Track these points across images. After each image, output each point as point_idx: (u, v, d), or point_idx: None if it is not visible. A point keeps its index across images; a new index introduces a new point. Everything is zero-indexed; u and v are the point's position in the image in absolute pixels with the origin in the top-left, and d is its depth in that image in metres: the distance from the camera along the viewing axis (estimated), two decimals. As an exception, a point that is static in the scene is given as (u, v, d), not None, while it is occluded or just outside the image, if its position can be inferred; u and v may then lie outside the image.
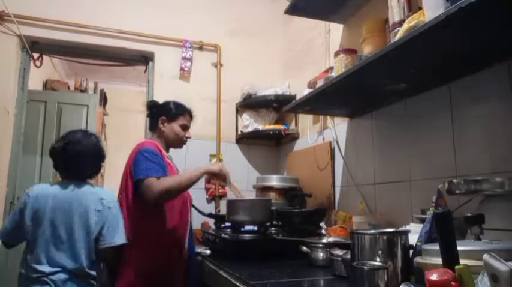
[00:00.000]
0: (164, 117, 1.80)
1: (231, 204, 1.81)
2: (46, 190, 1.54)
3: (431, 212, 0.97)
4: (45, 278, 1.44)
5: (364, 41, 1.67)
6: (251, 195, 2.38)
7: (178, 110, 1.83)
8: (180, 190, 1.60)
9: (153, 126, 1.83)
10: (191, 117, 1.88)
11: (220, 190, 2.76)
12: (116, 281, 1.57)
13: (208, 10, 2.99)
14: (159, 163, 1.60)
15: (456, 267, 0.64)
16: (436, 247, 0.78)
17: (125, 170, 1.69)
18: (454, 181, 1.14)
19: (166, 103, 1.85)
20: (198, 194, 2.64)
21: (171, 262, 1.65)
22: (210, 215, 2.16)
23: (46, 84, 4.11)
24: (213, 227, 2.18)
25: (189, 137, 1.87)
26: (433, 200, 1.01)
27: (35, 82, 3.64)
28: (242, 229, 1.76)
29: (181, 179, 1.58)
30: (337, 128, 2.17)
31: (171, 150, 1.88)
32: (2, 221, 2.44)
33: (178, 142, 1.84)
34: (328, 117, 2.25)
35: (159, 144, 1.76)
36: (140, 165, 1.57)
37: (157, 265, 1.59)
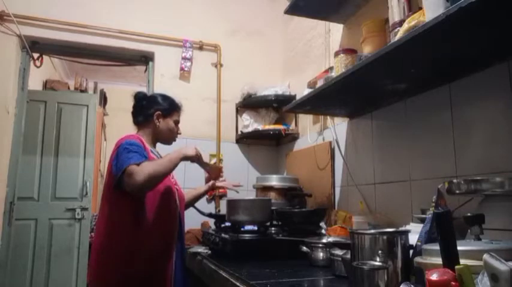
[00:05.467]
0: (160, 112, 1.74)
1: (231, 204, 1.81)
2: None
3: (431, 212, 0.97)
4: None
5: (364, 41, 1.67)
6: (251, 195, 2.39)
7: (173, 106, 1.79)
8: (164, 173, 1.52)
9: (143, 120, 1.75)
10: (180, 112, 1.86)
11: (220, 190, 2.76)
12: (100, 283, 1.54)
13: (208, 10, 3.00)
14: (140, 151, 1.53)
15: (456, 267, 0.64)
16: (436, 247, 0.78)
17: (108, 166, 1.62)
18: (454, 181, 1.14)
19: (154, 97, 1.80)
20: (198, 194, 2.65)
21: (156, 262, 1.59)
22: (210, 215, 2.16)
23: (46, 84, 4.11)
24: (213, 227, 2.18)
25: (180, 133, 1.84)
26: (433, 200, 1.01)
27: (35, 82, 3.64)
28: (242, 229, 1.76)
29: (162, 162, 1.52)
30: (337, 128, 2.17)
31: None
32: (2, 221, 2.44)
33: (171, 139, 1.80)
34: (328, 117, 2.25)
35: (144, 138, 1.70)
36: (121, 157, 1.50)
37: (140, 266, 1.54)
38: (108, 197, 1.59)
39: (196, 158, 1.65)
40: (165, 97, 1.80)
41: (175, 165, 1.56)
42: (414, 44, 1.11)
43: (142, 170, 1.44)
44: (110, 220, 1.56)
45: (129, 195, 1.51)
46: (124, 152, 1.51)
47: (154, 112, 1.73)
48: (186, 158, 1.61)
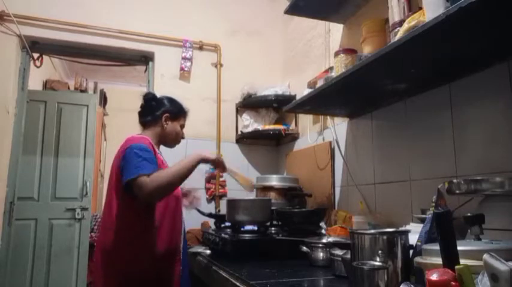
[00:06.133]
0: (168, 115, 1.75)
1: (231, 204, 1.81)
2: None
3: (431, 212, 0.97)
4: None
5: (364, 41, 1.67)
6: (251, 195, 2.39)
7: (181, 110, 1.81)
8: (175, 184, 1.52)
9: (151, 120, 1.75)
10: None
11: (220, 190, 2.76)
12: (106, 283, 1.53)
13: (208, 10, 3.00)
14: (150, 159, 1.53)
15: (456, 267, 0.64)
16: (436, 247, 0.78)
17: (113, 166, 1.62)
18: (454, 181, 1.14)
19: (164, 99, 1.81)
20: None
21: (164, 264, 1.60)
22: (210, 215, 2.16)
23: (46, 84, 4.11)
24: (213, 227, 2.18)
25: (183, 138, 1.84)
26: (433, 200, 1.01)
27: (35, 82, 3.64)
28: (242, 229, 1.76)
29: (173, 172, 1.50)
30: (337, 128, 2.17)
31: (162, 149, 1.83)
32: (2, 221, 2.44)
33: (175, 142, 1.81)
34: (328, 117, 2.25)
35: (152, 139, 1.69)
36: (130, 163, 1.49)
37: (149, 267, 1.54)
38: (116, 197, 1.58)
39: (218, 163, 1.66)
40: (175, 101, 1.83)
41: (190, 171, 1.55)
42: (414, 44, 1.11)
43: (152, 183, 1.44)
44: (117, 220, 1.56)
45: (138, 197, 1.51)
46: (134, 157, 1.51)
47: (163, 114, 1.74)
48: (204, 161, 1.61)
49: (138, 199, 1.49)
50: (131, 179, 1.46)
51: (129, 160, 1.51)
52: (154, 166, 1.52)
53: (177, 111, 1.79)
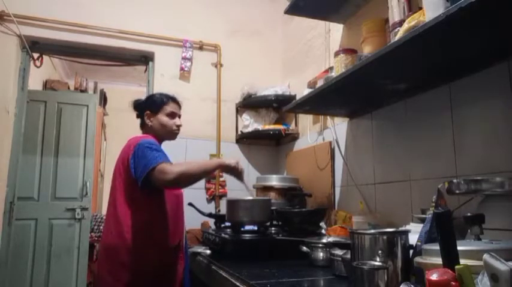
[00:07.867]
0: (148, 112, 1.73)
1: (231, 204, 1.81)
2: None
3: (431, 212, 0.97)
4: None
5: (364, 41, 1.67)
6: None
7: (160, 100, 1.76)
8: (195, 177, 1.55)
9: (142, 124, 1.77)
10: (178, 104, 1.80)
11: (220, 190, 2.76)
12: (113, 283, 1.54)
13: (208, 10, 3.00)
14: (162, 151, 1.56)
15: (456, 267, 0.64)
16: (436, 247, 0.78)
17: (118, 165, 1.63)
18: (454, 181, 1.14)
19: (150, 96, 1.81)
20: (198, 194, 2.65)
21: (169, 261, 1.63)
22: (210, 215, 2.16)
23: (46, 84, 4.11)
24: (213, 227, 2.18)
25: (180, 125, 1.78)
26: (433, 200, 1.01)
27: (35, 82, 3.64)
28: (242, 229, 1.76)
29: (194, 166, 1.55)
30: (337, 128, 2.17)
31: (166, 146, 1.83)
32: (2, 221, 2.44)
33: (169, 133, 1.76)
34: (328, 117, 2.25)
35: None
36: (147, 156, 1.50)
37: (155, 264, 1.57)
38: (124, 195, 1.59)
39: (235, 171, 1.65)
40: (151, 95, 1.83)
41: (210, 170, 1.61)
42: (414, 44, 1.11)
43: (174, 170, 1.47)
44: (124, 217, 1.57)
45: (148, 195, 1.54)
46: (148, 150, 1.53)
47: (144, 113, 1.75)
48: (223, 166, 1.63)
49: (158, 185, 1.50)
50: (152, 168, 1.47)
51: (143, 154, 1.52)
52: (169, 159, 1.54)
53: (156, 103, 1.75)
